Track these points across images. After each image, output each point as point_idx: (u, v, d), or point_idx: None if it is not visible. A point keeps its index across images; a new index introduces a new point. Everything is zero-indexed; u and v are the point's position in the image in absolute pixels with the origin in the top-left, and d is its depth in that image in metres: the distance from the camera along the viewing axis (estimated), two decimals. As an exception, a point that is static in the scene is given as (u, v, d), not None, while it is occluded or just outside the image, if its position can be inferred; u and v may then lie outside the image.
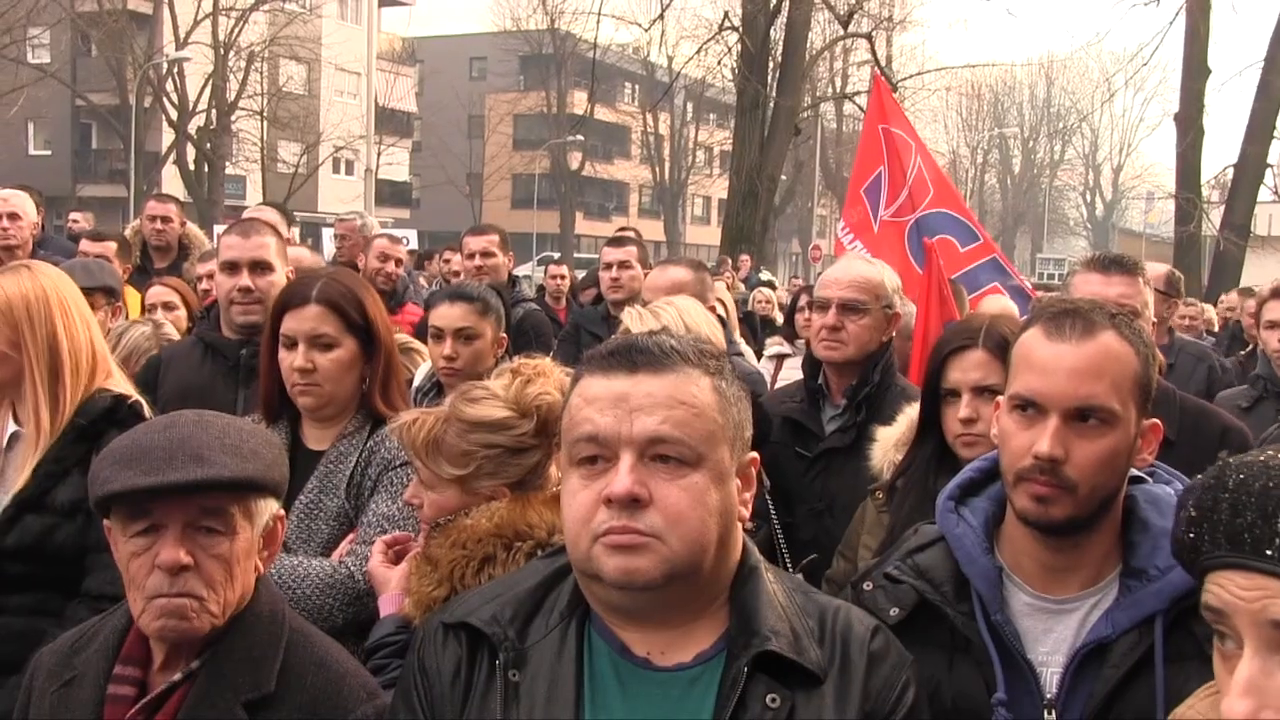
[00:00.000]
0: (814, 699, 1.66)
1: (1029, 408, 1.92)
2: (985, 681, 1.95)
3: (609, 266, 6.02)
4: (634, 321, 3.64)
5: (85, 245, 6.70)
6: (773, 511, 3.73)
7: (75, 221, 10.64)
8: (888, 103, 6.34)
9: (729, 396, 1.70)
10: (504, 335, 4.12)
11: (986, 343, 2.81)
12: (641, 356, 1.67)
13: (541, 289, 10.83)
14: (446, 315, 4.00)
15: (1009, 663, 1.95)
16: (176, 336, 4.71)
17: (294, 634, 2.05)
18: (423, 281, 10.86)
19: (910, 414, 3.11)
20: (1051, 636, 1.97)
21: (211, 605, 1.94)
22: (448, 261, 10.41)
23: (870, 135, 6.34)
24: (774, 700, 1.63)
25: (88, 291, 3.53)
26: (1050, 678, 1.95)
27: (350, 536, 2.91)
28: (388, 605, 2.53)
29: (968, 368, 2.82)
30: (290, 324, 3.04)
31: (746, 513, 1.73)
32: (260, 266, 3.94)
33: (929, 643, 1.99)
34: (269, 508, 2.04)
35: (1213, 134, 23.48)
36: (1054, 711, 1.93)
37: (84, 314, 3.14)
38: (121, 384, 3.16)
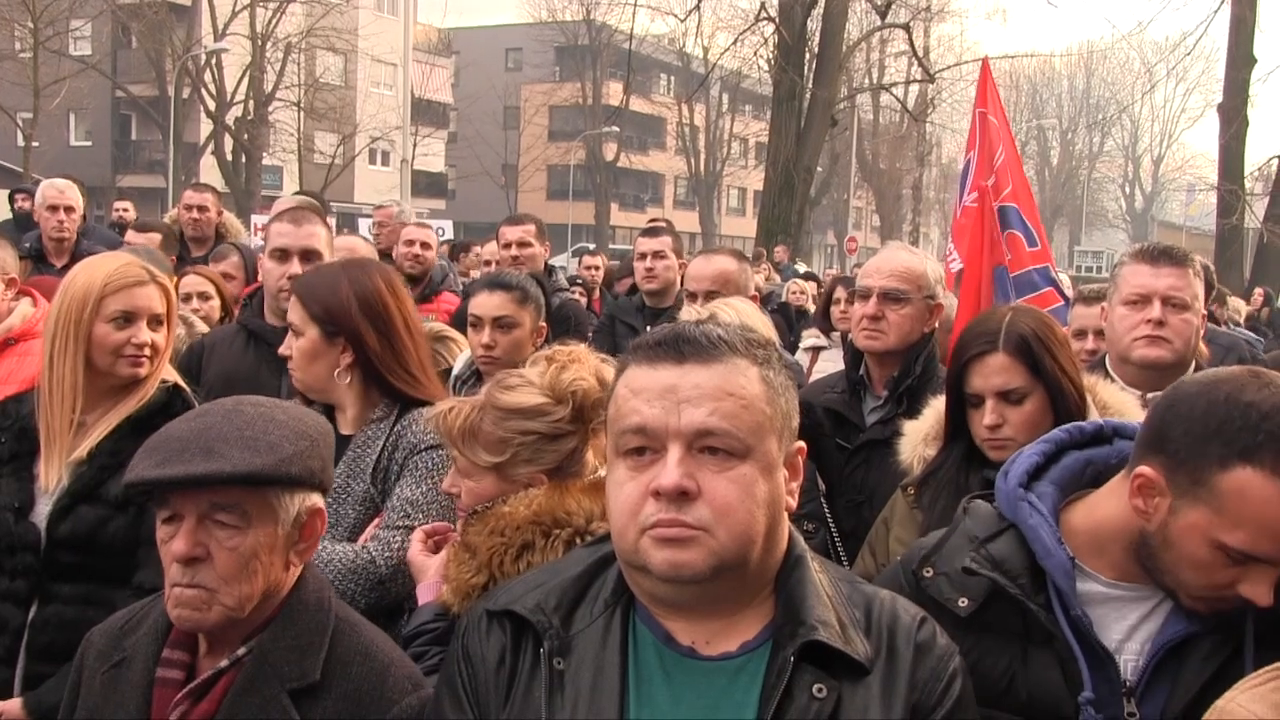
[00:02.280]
0: (860, 689, 1.64)
1: (1239, 558, 1.81)
2: (1065, 674, 1.92)
3: (643, 257, 5.96)
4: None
5: (131, 235, 6.79)
6: (829, 516, 3.71)
7: (126, 210, 10.83)
8: (990, 89, 6.29)
9: (777, 386, 1.68)
10: (544, 324, 4.12)
11: (1006, 346, 2.76)
12: (689, 347, 1.65)
13: (575, 279, 10.83)
14: (485, 304, 4.01)
15: (1090, 657, 1.91)
16: (206, 330, 4.75)
17: (340, 623, 2.04)
18: (473, 274, 10.91)
19: (937, 406, 3.06)
20: (1123, 623, 1.95)
21: (224, 598, 1.91)
22: (482, 258, 10.45)
23: (972, 121, 6.32)
24: (820, 690, 1.62)
25: None
26: (1125, 665, 1.93)
27: (375, 521, 2.91)
28: (426, 593, 2.53)
29: (989, 373, 2.77)
30: None
31: (794, 503, 1.72)
32: (310, 255, 3.95)
33: (1000, 634, 1.97)
34: (299, 501, 1.99)
35: (1257, 125, 23.18)
36: (1132, 699, 1.90)
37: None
38: (171, 372, 3.18)
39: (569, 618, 1.72)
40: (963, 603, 1.99)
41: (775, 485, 1.66)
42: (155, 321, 3.05)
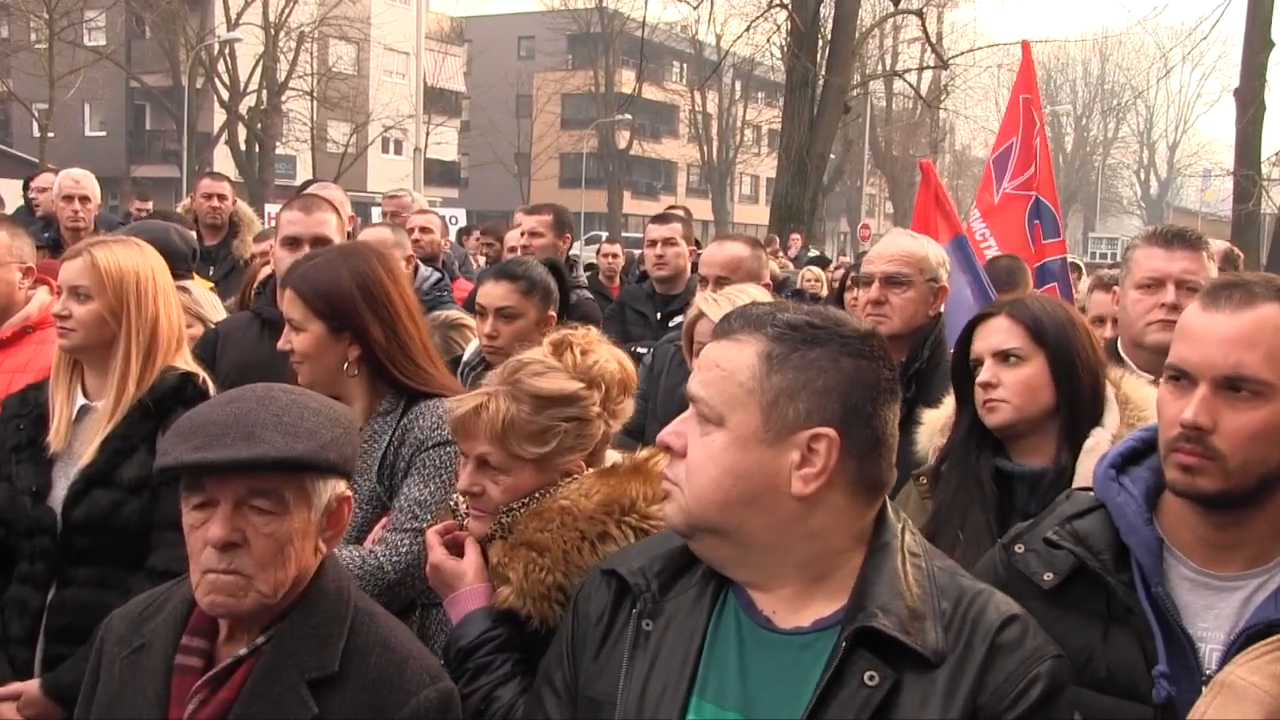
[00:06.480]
0: (923, 682, 1.61)
1: (1181, 378, 1.88)
2: (1144, 652, 1.91)
3: (654, 244, 5.96)
4: (709, 306, 3.61)
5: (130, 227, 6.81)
6: None
7: (142, 209, 10.89)
8: (1031, 73, 6.29)
9: (789, 363, 1.72)
10: (552, 314, 4.06)
11: (1011, 311, 2.77)
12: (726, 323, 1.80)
13: (592, 267, 10.84)
14: (489, 293, 3.98)
15: (1168, 636, 1.89)
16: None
17: (359, 613, 2.03)
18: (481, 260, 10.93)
19: None
20: (1212, 613, 1.91)
21: (260, 584, 1.91)
22: (490, 245, 10.47)
23: (1013, 105, 6.29)
24: (872, 678, 1.60)
25: None
26: (1209, 654, 1.89)
27: (382, 522, 2.83)
28: (472, 600, 2.32)
29: (988, 334, 2.77)
30: None
31: (803, 487, 1.67)
32: (321, 243, 3.89)
33: (1083, 610, 1.97)
34: (330, 488, 1.99)
35: (1274, 109, 22.92)
36: None
37: (174, 294, 3.23)
38: (189, 360, 3.21)
39: (669, 584, 1.80)
40: (1047, 576, 1.99)
41: (753, 458, 1.67)
42: (77, 294, 3.08)
